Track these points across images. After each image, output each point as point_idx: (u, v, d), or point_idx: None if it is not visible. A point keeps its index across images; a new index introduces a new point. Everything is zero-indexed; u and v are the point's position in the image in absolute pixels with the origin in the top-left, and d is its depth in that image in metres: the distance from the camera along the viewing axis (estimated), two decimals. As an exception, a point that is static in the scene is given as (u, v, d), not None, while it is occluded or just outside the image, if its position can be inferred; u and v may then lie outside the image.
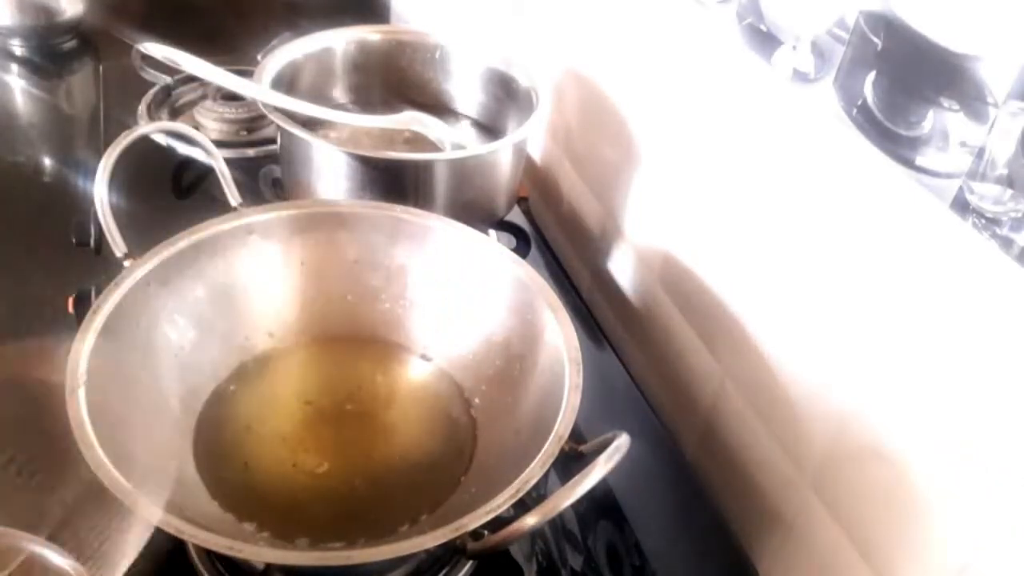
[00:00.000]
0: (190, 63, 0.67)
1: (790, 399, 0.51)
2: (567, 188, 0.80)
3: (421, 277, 0.57)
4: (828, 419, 0.48)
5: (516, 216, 0.76)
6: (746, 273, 0.55)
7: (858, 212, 0.44)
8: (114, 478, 0.38)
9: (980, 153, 0.36)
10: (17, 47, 0.99)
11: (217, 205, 0.59)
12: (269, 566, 0.39)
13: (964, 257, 0.38)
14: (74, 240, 0.67)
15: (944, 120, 0.38)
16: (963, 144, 0.37)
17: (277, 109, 0.65)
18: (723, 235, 0.57)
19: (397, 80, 0.79)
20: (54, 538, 0.40)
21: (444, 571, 0.47)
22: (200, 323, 0.53)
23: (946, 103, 0.38)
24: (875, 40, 0.42)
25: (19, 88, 0.95)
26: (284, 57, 0.72)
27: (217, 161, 0.59)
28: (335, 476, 0.50)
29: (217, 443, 0.50)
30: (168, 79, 0.87)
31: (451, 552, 0.46)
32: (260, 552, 0.40)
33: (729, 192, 0.56)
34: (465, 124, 0.79)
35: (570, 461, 0.43)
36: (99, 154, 0.55)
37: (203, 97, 0.87)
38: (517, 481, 0.40)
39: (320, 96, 0.75)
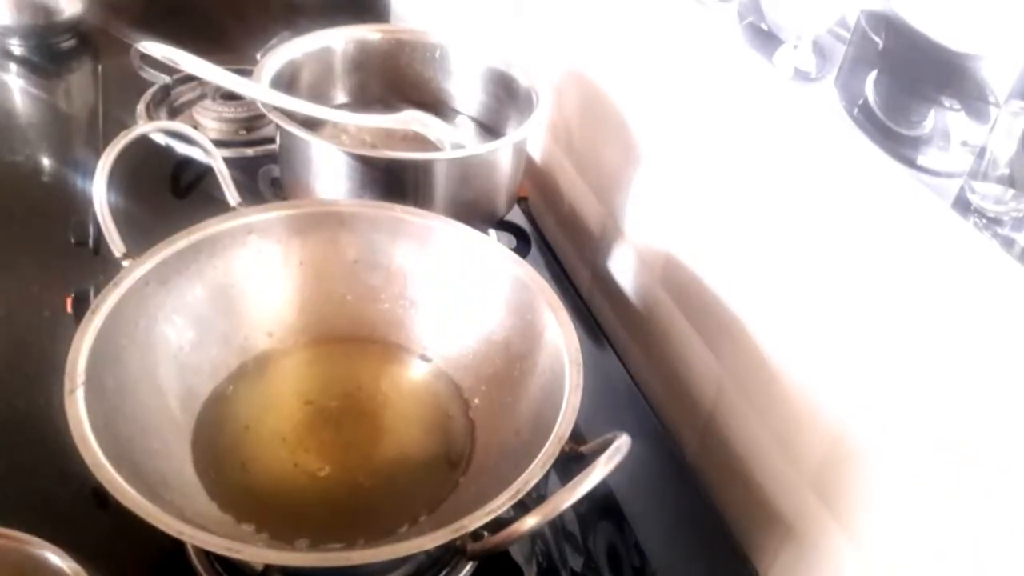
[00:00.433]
0: (189, 62, 0.67)
1: (790, 399, 0.51)
2: (567, 188, 0.80)
3: (421, 277, 0.57)
4: (828, 419, 0.48)
5: (516, 216, 0.76)
6: (746, 273, 0.55)
7: (859, 212, 0.44)
8: (112, 478, 0.38)
9: (981, 152, 0.36)
10: (16, 46, 0.99)
11: (216, 205, 0.59)
12: (268, 567, 0.39)
13: (965, 257, 0.38)
14: (73, 240, 0.67)
15: (945, 119, 0.38)
16: (964, 143, 0.37)
17: (276, 108, 0.65)
18: (723, 235, 0.57)
19: (397, 80, 0.78)
20: (54, 538, 0.40)
21: (444, 572, 0.47)
22: (199, 323, 0.53)
23: (947, 102, 0.38)
24: (876, 39, 0.42)
25: (18, 87, 0.95)
26: (283, 56, 0.72)
27: (216, 161, 0.59)
28: (334, 476, 0.50)
29: (216, 443, 0.50)
30: (167, 78, 0.87)
31: (451, 553, 0.46)
32: (259, 553, 0.40)
33: (730, 192, 0.55)
34: (465, 124, 0.78)
35: (570, 461, 0.43)
36: (98, 154, 0.55)
37: (202, 96, 0.87)
38: (517, 482, 0.40)
39: (320, 95, 0.75)
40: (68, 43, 1.01)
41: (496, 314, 0.54)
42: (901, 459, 0.43)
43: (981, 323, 0.38)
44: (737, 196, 0.55)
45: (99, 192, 0.53)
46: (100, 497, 0.39)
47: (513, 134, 0.67)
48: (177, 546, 0.47)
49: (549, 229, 0.83)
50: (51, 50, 1.00)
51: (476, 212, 0.66)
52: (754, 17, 0.50)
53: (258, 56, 0.73)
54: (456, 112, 0.79)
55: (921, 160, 0.40)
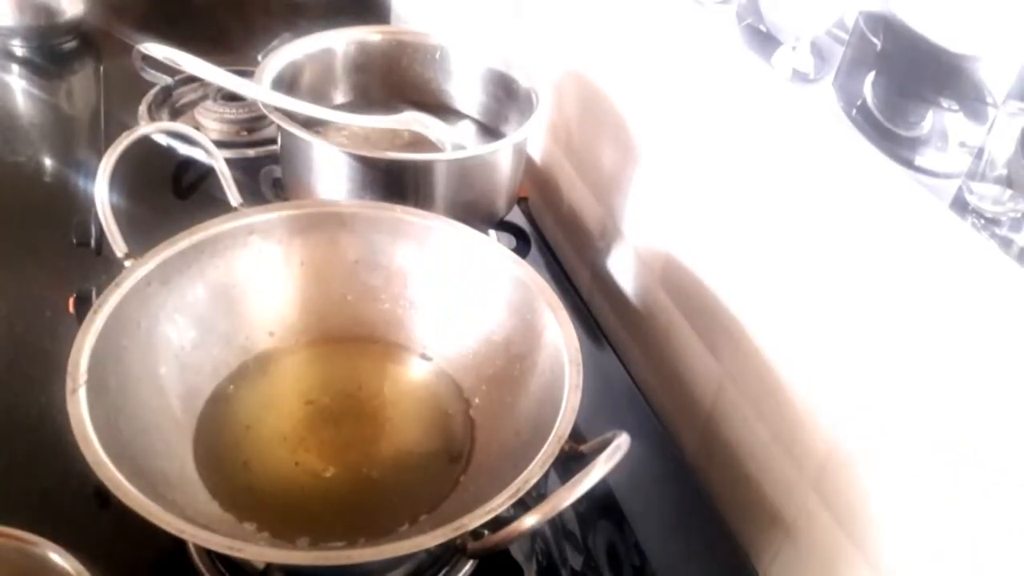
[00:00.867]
0: (190, 63, 0.67)
1: (790, 399, 0.51)
2: (567, 188, 0.80)
3: (421, 277, 0.57)
4: (828, 419, 0.48)
5: (516, 216, 0.76)
6: (746, 273, 0.55)
7: (858, 212, 0.44)
8: (114, 477, 0.38)
9: (979, 153, 0.36)
10: (18, 47, 0.99)
11: (217, 205, 0.59)
12: (269, 565, 0.39)
13: (963, 257, 0.38)
14: (75, 240, 0.67)
15: (943, 120, 0.38)
16: (962, 144, 0.37)
17: (277, 109, 0.65)
18: (723, 235, 0.57)
19: (397, 80, 0.79)
20: (56, 537, 0.40)
21: (444, 571, 0.47)
22: (200, 323, 0.53)
23: (945, 103, 0.38)
24: (874, 40, 0.42)
25: (20, 88, 0.95)
26: (284, 57, 0.72)
27: (218, 161, 0.60)
28: (335, 476, 0.50)
29: (217, 443, 0.50)
30: (169, 79, 0.87)
31: (451, 552, 0.46)
32: (261, 552, 0.40)
33: (729, 192, 0.56)
34: (465, 124, 0.79)
35: (570, 461, 0.43)
36: (100, 154, 0.55)
37: (203, 97, 0.87)
38: (517, 481, 0.40)
39: (320, 96, 0.75)
40: (70, 44, 1.02)
41: (496, 314, 0.55)
42: (900, 459, 0.43)
43: (979, 324, 0.38)
44: (736, 197, 0.55)
45: (101, 192, 0.54)
46: (102, 496, 0.39)
47: (513, 135, 0.67)
48: (178, 545, 0.47)
49: (549, 229, 0.83)
50: (53, 51, 1.00)
51: (476, 212, 0.66)
52: (753, 18, 0.51)
53: (259, 57, 0.73)
54: (456, 113, 0.79)
55: (919, 161, 0.40)
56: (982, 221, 0.37)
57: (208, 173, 0.70)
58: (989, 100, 0.36)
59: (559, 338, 0.49)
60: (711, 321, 0.59)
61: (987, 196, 0.36)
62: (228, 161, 0.60)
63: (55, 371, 0.43)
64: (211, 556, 0.47)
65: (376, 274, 0.58)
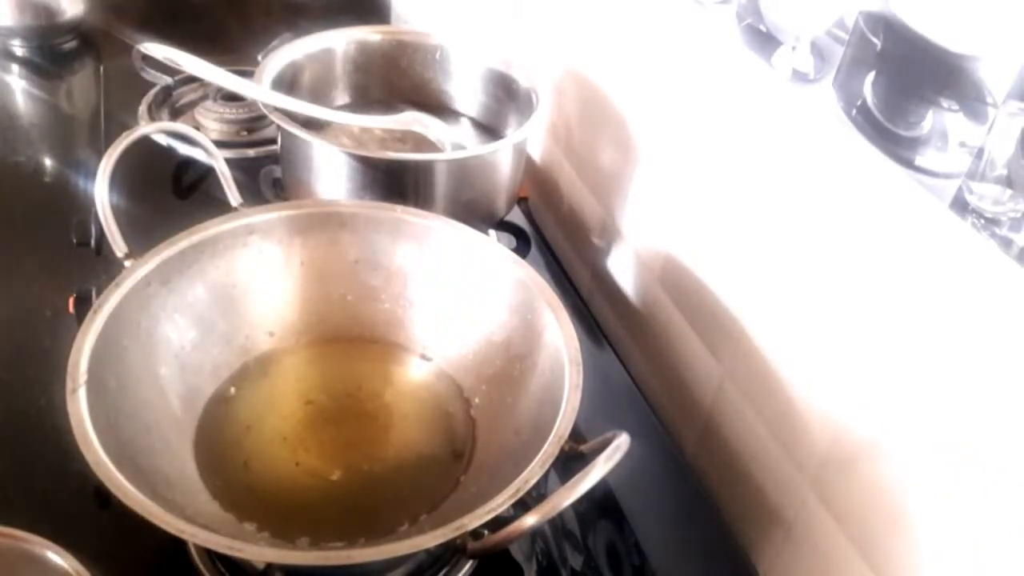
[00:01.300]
0: (191, 63, 0.67)
1: (790, 399, 0.51)
2: (567, 188, 0.80)
3: (421, 277, 0.57)
4: (828, 419, 0.48)
5: (516, 216, 0.76)
6: (746, 273, 0.55)
7: (858, 212, 0.44)
8: (114, 477, 0.38)
9: (979, 153, 0.37)
10: (18, 47, 0.99)
11: (218, 205, 0.59)
12: (270, 565, 0.39)
13: (963, 257, 0.38)
14: (75, 240, 0.67)
15: (943, 120, 0.38)
16: (962, 144, 0.37)
17: (277, 109, 0.65)
18: (723, 235, 0.57)
19: (398, 81, 0.79)
20: (56, 537, 0.40)
21: (444, 571, 0.47)
22: (201, 323, 0.53)
23: (945, 103, 0.38)
24: (874, 40, 0.42)
25: (20, 88, 0.95)
26: (285, 57, 0.72)
27: (218, 161, 0.60)
28: (335, 476, 0.50)
29: (218, 443, 0.50)
30: (169, 79, 0.87)
31: (451, 551, 0.46)
32: (261, 552, 0.40)
33: (729, 192, 0.56)
34: (465, 124, 0.79)
35: (570, 461, 0.43)
36: (100, 154, 0.55)
37: (204, 97, 0.87)
38: (517, 481, 0.40)
39: (320, 96, 0.75)
40: (70, 44, 1.02)
41: (496, 314, 0.55)
42: (900, 459, 0.43)
43: (979, 323, 0.38)
44: (736, 197, 0.55)
45: (101, 193, 0.54)
46: (102, 496, 0.39)
47: (513, 135, 0.67)
48: (179, 545, 0.47)
49: (549, 229, 0.83)
50: (53, 51, 1.00)
51: (476, 212, 0.66)
52: (753, 18, 0.51)
53: (259, 57, 0.73)
54: (456, 113, 0.79)
55: (919, 161, 0.40)
56: (982, 221, 0.37)
57: (208, 173, 0.70)
58: (989, 100, 0.36)
59: (559, 338, 0.49)
60: (711, 321, 0.59)
61: (987, 196, 0.36)
62: (228, 161, 0.60)
63: (55, 371, 0.43)
64: (211, 556, 0.47)
65: (376, 274, 0.58)
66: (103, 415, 0.42)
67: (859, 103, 0.43)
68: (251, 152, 0.81)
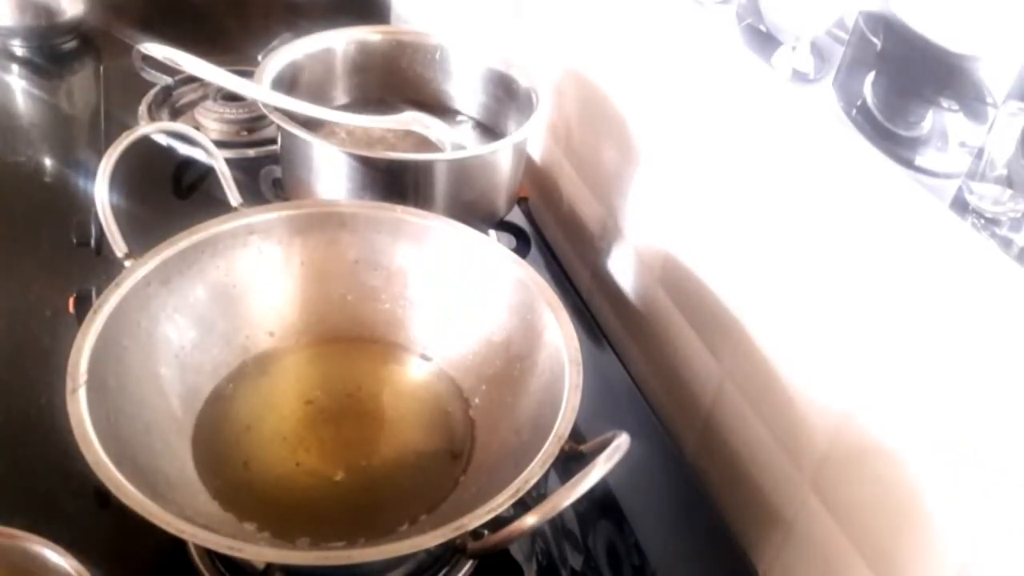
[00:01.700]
0: (191, 63, 0.67)
1: (790, 399, 0.51)
2: (567, 188, 0.80)
3: (421, 277, 0.57)
4: (828, 419, 0.48)
5: (516, 216, 0.76)
6: (746, 273, 0.55)
7: (858, 212, 0.44)
8: (114, 477, 0.38)
9: (979, 153, 0.37)
10: (18, 47, 0.99)
11: (217, 205, 0.59)
12: (270, 565, 0.39)
13: (963, 257, 0.38)
14: (75, 240, 0.67)
15: (943, 120, 0.38)
16: (962, 144, 0.37)
17: (277, 109, 0.65)
18: (723, 235, 0.57)
19: (397, 80, 0.79)
20: (55, 537, 0.40)
21: (444, 571, 0.47)
22: (200, 323, 0.53)
23: (945, 103, 0.38)
24: (874, 40, 0.42)
25: (20, 88, 0.95)
26: (285, 57, 0.72)
27: (218, 161, 0.60)
28: (335, 476, 0.50)
29: (217, 443, 0.50)
30: (169, 79, 0.87)
31: (451, 551, 0.46)
32: (261, 551, 0.40)
33: (729, 192, 0.56)
34: (465, 124, 0.79)
35: (570, 461, 0.43)
36: (100, 154, 0.55)
37: (204, 97, 0.87)
38: (517, 481, 0.40)
39: (320, 96, 0.75)
40: (70, 44, 1.02)
41: (496, 314, 0.55)
42: (900, 459, 0.43)
43: (979, 323, 0.38)
44: (736, 197, 0.55)
45: (101, 192, 0.54)
46: (102, 496, 0.39)
47: (513, 135, 0.67)
48: (179, 545, 0.47)
49: (549, 229, 0.83)
50: (53, 51, 1.00)
51: (476, 212, 0.66)
52: (753, 18, 0.51)
53: (259, 57, 0.73)
54: (456, 113, 0.79)
55: (919, 161, 0.40)
56: (982, 221, 0.37)
57: (208, 173, 0.70)
58: (989, 100, 0.36)
59: (559, 338, 0.49)
60: (711, 321, 0.59)
61: (987, 196, 0.36)
62: (228, 161, 0.60)
63: (55, 371, 0.43)
64: (211, 556, 0.47)
65: (376, 274, 0.58)
66: (103, 415, 0.42)
67: (859, 103, 0.43)
68: (251, 152, 0.81)
